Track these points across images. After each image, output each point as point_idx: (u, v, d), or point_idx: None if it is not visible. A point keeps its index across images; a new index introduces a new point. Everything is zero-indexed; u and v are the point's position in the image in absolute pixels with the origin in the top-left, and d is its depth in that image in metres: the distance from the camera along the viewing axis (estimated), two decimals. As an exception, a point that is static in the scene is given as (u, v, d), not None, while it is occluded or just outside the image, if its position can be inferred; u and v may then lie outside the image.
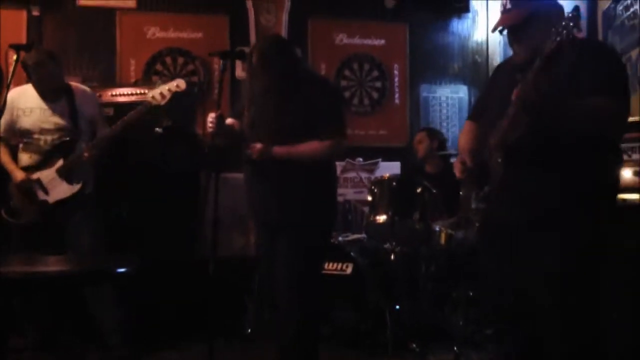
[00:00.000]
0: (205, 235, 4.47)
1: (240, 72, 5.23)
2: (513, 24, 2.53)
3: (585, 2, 4.35)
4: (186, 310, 4.24)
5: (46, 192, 3.87)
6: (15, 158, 3.96)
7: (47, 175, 3.87)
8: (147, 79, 5.06)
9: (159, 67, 5.25)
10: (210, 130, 3.15)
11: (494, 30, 2.58)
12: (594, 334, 2.50)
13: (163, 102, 3.75)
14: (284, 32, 5.40)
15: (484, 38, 5.87)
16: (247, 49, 3.21)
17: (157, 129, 3.88)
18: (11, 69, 3.39)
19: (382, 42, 5.66)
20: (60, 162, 3.87)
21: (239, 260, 4.26)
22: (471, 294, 4.08)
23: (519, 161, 2.48)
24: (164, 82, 3.91)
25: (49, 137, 3.89)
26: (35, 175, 3.87)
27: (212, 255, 2.91)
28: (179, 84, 3.75)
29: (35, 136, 3.90)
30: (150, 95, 3.77)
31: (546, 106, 2.34)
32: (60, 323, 3.95)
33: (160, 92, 3.75)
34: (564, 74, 2.36)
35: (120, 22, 5.20)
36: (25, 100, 3.93)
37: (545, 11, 2.52)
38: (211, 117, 3.14)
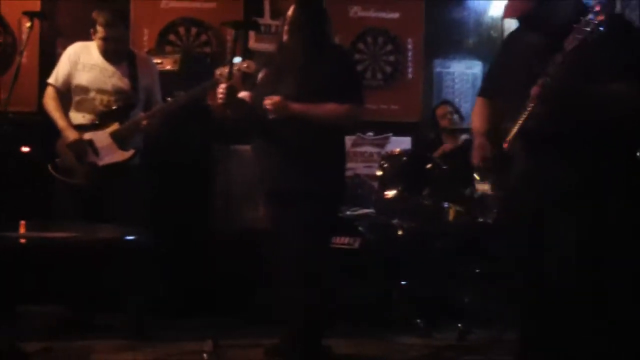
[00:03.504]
0: (217, 208, 4.47)
1: (253, 42, 5.20)
2: (523, 14, 2.55)
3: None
4: (196, 283, 4.25)
5: (97, 154, 3.79)
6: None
7: (100, 137, 3.79)
8: (160, 49, 5.05)
9: (172, 37, 5.23)
10: (220, 101, 3.13)
11: (503, 18, 2.58)
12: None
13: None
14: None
15: (500, 13, 5.79)
16: (260, 20, 3.17)
17: (168, 99, 3.87)
18: (25, 36, 3.42)
19: (397, 15, 5.61)
20: (115, 126, 3.80)
21: (250, 232, 4.26)
22: (478, 271, 4.10)
23: (538, 148, 2.50)
24: (232, 60, 3.58)
25: (105, 98, 3.82)
26: (87, 136, 3.79)
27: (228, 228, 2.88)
28: (249, 64, 3.50)
29: (91, 95, 3.82)
30: (219, 73, 3.59)
31: (568, 99, 2.36)
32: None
33: (230, 70, 3.47)
34: (585, 65, 2.34)
35: (134, -9, 5.18)
36: (88, 56, 3.85)
37: None
38: (222, 87, 3.12)
